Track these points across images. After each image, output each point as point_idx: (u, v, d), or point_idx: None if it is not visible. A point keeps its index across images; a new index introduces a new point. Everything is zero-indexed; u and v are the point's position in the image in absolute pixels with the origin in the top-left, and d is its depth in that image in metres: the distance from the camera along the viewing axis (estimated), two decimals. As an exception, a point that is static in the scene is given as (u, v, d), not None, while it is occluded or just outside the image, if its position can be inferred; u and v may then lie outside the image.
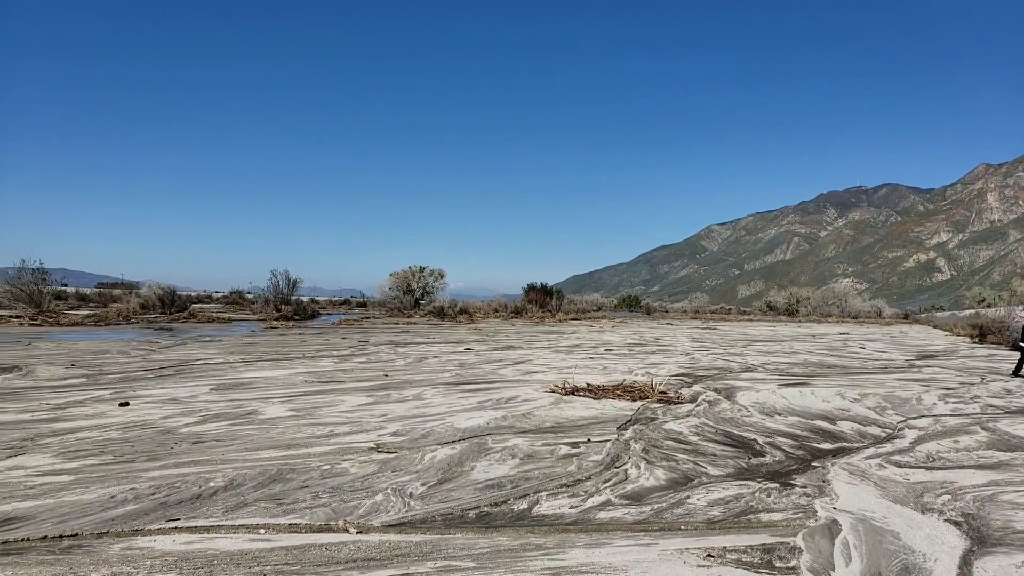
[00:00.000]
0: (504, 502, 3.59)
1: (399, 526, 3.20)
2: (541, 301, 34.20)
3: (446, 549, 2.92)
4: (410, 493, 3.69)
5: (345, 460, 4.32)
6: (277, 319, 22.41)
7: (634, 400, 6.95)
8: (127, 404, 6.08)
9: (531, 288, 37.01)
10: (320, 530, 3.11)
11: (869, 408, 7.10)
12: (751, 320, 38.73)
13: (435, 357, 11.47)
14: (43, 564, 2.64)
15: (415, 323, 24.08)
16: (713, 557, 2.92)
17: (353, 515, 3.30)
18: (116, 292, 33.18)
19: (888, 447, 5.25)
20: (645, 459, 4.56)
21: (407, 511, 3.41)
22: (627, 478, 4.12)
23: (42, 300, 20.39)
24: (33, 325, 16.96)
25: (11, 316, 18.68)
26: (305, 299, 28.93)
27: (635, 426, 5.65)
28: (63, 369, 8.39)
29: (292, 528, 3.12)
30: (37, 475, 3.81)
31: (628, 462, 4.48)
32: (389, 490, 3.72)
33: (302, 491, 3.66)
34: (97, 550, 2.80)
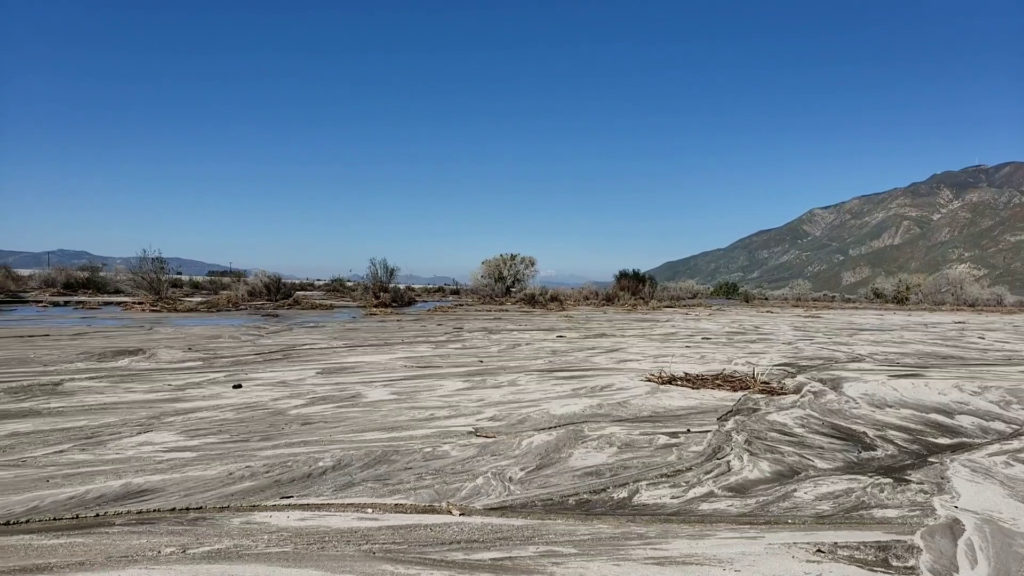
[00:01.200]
0: (603, 490, 3.58)
1: (500, 510, 3.24)
2: (633, 288, 33.79)
3: (547, 534, 2.94)
4: (509, 478, 3.73)
5: (445, 443, 4.41)
6: (376, 306, 23.10)
7: (734, 390, 6.78)
8: (240, 386, 6.42)
9: (623, 275, 36.62)
10: (424, 511, 3.19)
11: (991, 402, 6.65)
12: (856, 308, 37.03)
13: (528, 344, 11.54)
14: (173, 534, 2.83)
15: (507, 310, 24.29)
16: (824, 553, 2.82)
17: (455, 497, 3.37)
18: (225, 280, 34.98)
19: (1015, 444, 4.91)
20: (748, 450, 4.44)
21: (507, 495, 3.45)
22: (729, 469, 4.03)
23: (161, 288, 21.76)
24: (153, 311, 18.13)
25: (134, 303, 20.04)
26: (401, 287, 29.66)
27: (736, 417, 5.51)
28: (181, 352, 8.94)
29: (398, 508, 3.21)
30: (164, 451, 4.09)
31: (730, 453, 4.38)
32: (489, 474, 3.78)
33: (406, 472, 3.76)
34: (219, 523, 2.98)
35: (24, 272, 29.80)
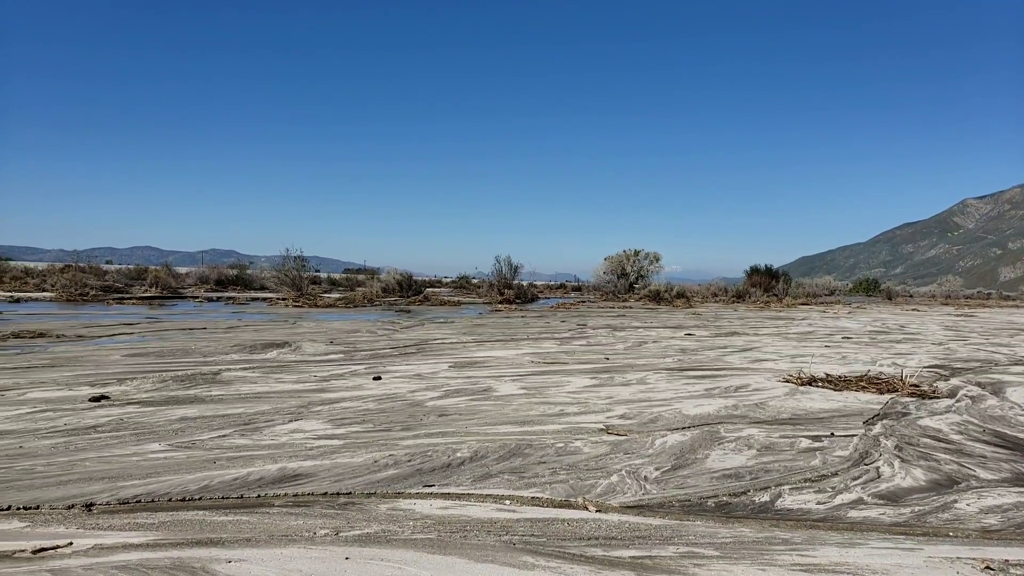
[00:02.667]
0: (744, 493, 3.48)
1: (636, 508, 3.22)
2: (765, 285, 32.50)
3: (687, 535, 2.89)
4: (644, 477, 3.70)
5: (577, 439, 4.43)
6: (500, 302, 23.49)
7: (881, 393, 6.39)
8: (379, 378, 6.71)
9: (754, 271, 35.32)
10: (560, 505, 3.22)
11: None
12: (1017, 306, 33.88)
13: (655, 342, 11.36)
14: (326, 516, 3.01)
15: (630, 307, 24.02)
16: (993, 570, 2.61)
17: (591, 494, 3.38)
18: (360, 277, 36.64)
19: None
20: (899, 457, 4.18)
21: (643, 494, 3.42)
22: (879, 476, 3.81)
23: (302, 284, 23.10)
24: (296, 306, 19.27)
25: (278, 298, 21.39)
26: (525, 283, 29.97)
27: (884, 421, 5.19)
28: (324, 346, 9.46)
29: (534, 501, 3.26)
30: (314, 438, 4.35)
31: (879, 459, 4.13)
32: (623, 472, 3.76)
33: (540, 466, 3.81)
34: (368, 508, 3.13)
35: (182, 270, 32.46)
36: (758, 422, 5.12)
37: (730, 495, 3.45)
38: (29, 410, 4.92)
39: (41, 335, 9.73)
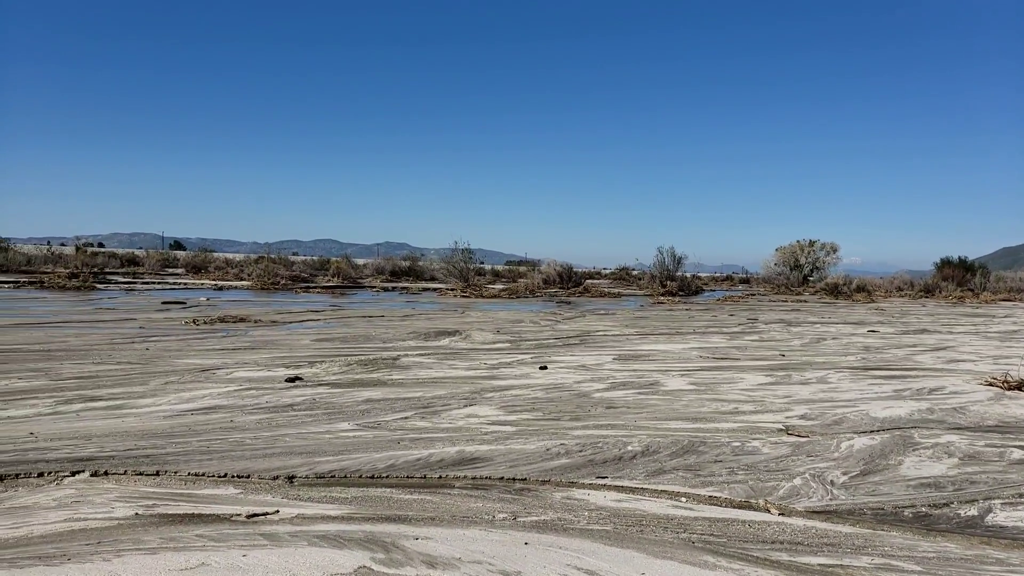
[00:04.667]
0: (946, 505, 3.18)
1: (823, 514, 3.04)
2: (959, 278, 29.51)
3: (882, 546, 2.69)
4: (831, 481, 3.48)
5: (754, 439, 4.25)
6: (663, 294, 23.04)
7: (1111, 402, 5.59)
8: (545, 368, 6.81)
9: (945, 263, 32.20)
10: (740, 506, 3.11)
11: None
12: None
13: (834, 338, 10.66)
14: (503, 501, 3.09)
15: (804, 301, 22.69)
16: None
17: (772, 496, 3.23)
18: (521, 269, 37.35)
19: None
20: None
21: (830, 499, 3.22)
22: (1115, 497, 3.34)
23: (468, 275, 23.91)
24: (463, 297, 19.99)
25: (447, 289, 22.29)
26: (688, 275, 29.17)
27: (1118, 434, 4.55)
28: (491, 335, 9.74)
29: (712, 500, 3.17)
30: (488, 424, 4.49)
31: (1114, 478, 3.62)
32: (807, 475, 3.56)
33: (716, 465, 3.70)
34: (543, 495, 3.19)
35: (359, 261, 34.65)
36: (958, 428, 4.66)
37: (930, 506, 3.17)
38: (236, 388, 5.46)
39: (242, 320, 10.77)
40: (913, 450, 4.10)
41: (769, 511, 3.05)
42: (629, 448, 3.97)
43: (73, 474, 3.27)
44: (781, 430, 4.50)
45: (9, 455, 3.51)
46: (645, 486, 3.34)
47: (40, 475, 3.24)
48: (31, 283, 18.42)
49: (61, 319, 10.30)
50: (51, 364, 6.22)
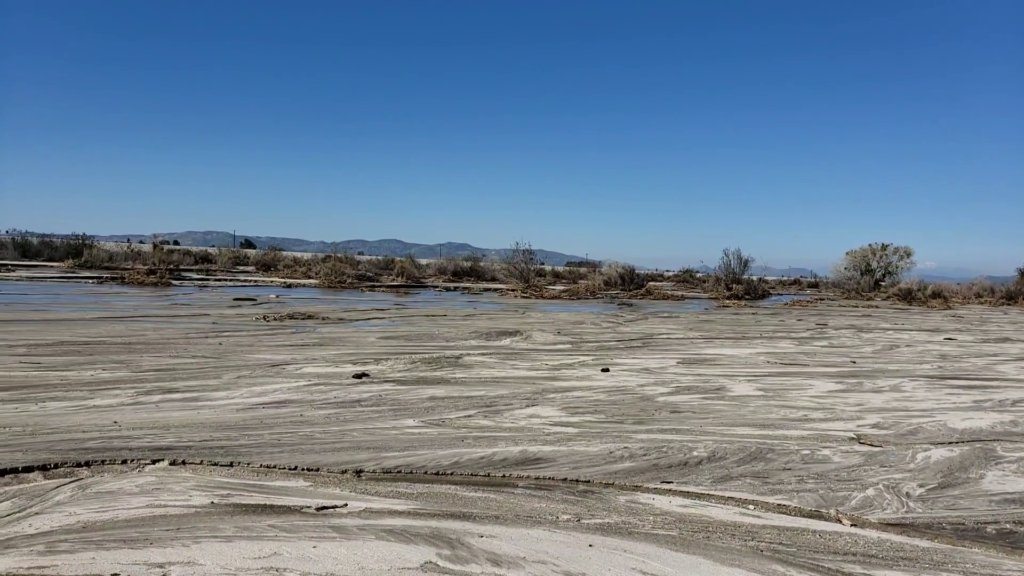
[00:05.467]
0: (1033, 522, 3.03)
1: (898, 526, 2.93)
2: (1046, 285, 28.03)
3: (963, 563, 2.58)
4: (907, 493, 3.36)
5: (824, 447, 4.13)
6: (728, 298, 22.61)
7: None
8: (608, 370, 6.77)
9: (1031, 269, 30.62)
10: (810, 516, 3.03)
11: None
12: None
13: (908, 346, 10.28)
14: (567, 502, 3.09)
15: (876, 306, 21.94)
16: None
17: (844, 506, 3.14)
18: (582, 270, 37.19)
19: None
20: None
21: (906, 512, 3.11)
22: None
23: (529, 276, 23.96)
24: (523, 297, 20.04)
25: (507, 289, 22.38)
26: (754, 278, 28.56)
27: None
28: (552, 336, 9.73)
29: (781, 508, 3.10)
30: (550, 424, 4.49)
31: None
32: (880, 486, 3.44)
33: (785, 473, 3.61)
34: (606, 498, 3.17)
35: (422, 261, 35.10)
36: (1047, 443, 4.43)
37: (1015, 523, 3.02)
38: (305, 383, 5.61)
39: (310, 317, 11.05)
40: (996, 464, 3.93)
41: (841, 522, 2.96)
42: (695, 453, 3.92)
43: (153, 462, 3.42)
44: (853, 439, 4.36)
45: (96, 442, 3.69)
46: (711, 492, 3.29)
47: (124, 462, 3.39)
48: (112, 279, 19.31)
49: (140, 314, 10.77)
50: (132, 356, 6.50)
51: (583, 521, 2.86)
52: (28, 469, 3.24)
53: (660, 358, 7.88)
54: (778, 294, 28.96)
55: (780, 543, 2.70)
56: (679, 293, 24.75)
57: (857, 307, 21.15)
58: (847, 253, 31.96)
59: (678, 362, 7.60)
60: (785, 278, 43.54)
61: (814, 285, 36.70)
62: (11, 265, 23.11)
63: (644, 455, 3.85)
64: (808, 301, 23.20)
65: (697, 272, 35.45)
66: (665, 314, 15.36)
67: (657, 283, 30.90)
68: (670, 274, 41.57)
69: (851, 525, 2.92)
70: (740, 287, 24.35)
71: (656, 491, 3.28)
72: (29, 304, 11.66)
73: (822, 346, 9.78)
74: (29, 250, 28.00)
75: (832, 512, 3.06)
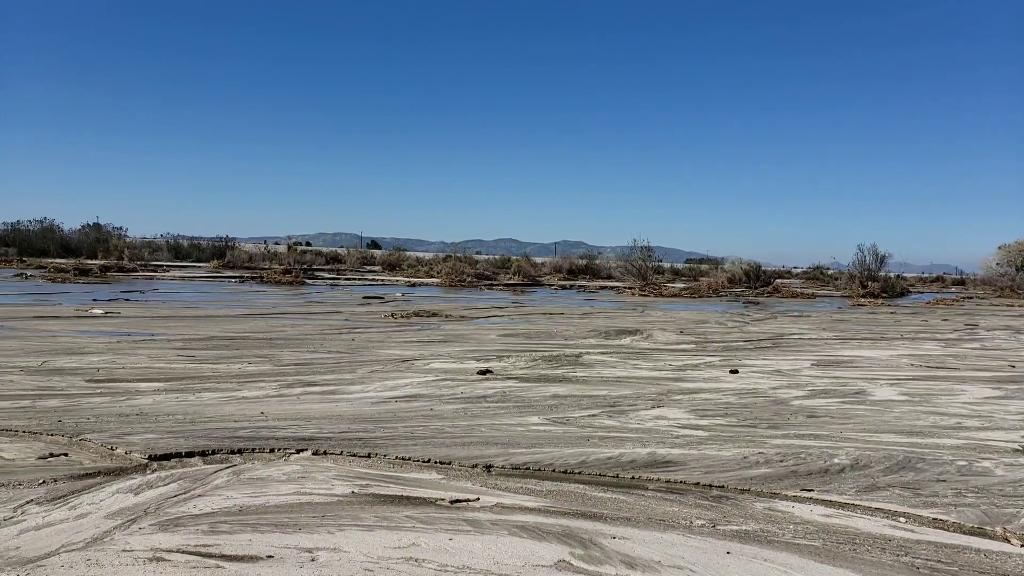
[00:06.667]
0: None
1: (1077, 550, 2.65)
2: None
3: None
4: (1085, 513, 3.04)
5: (984, 458, 3.81)
6: (863, 296, 21.36)
7: None
8: (736, 371, 6.54)
9: None
10: (972, 532, 2.80)
11: None
12: None
13: (1076, 349, 9.31)
14: (701, 507, 3.00)
15: (1036, 306, 20.04)
16: None
17: (1012, 524, 2.88)
18: (703, 267, 36.23)
19: None
20: None
21: (1085, 534, 2.81)
22: None
23: (647, 274, 23.59)
24: (641, 295, 19.74)
25: (624, 287, 22.13)
26: (892, 275, 26.83)
27: None
28: (674, 335, 9.52)
29: (936, 523, 2.88)
30: (678, 427, 4.39)
31: None
32: (1053, 504, 3.13)
33: (939, 484, 3.36)
34: (742, 505, 3.06)
35: (538, 259, 35.32)
36: None
37: None
38: (433, 378, 5.76)
39: (434, 315, 11.36)
40: None
41: (1008, 541, 2.71)
42: (836, 461, 3.71)
43: (298, 452, 3.61)
44: (1018, 450, 3.99)
45: (246, 431, 3.94)
46: (856, 502, 3.10)
47: (271, 451, 3.61)
48: (252, 278, 20.65)
49: (279, 311, 11.44)
50: (273, 351, 6.91)
51: (719, 527, 2.77)
52: (190, 454, 3.51)
53: (792, 359, 7.54)
54: (918, 292, 27.08)
55: (938, 561, 2.51)
56: (809, 291, 23.61)
57: (1012, 306, 19.42)
58: (999, 247, 29.49)
59: (812, 364, 7.24)
60: (926, 275, 40.66)
61: (960, 283, 34.04)
62: (166, 265, 25.19)
63: (781, 461, 3.68)
64: (953, 300, 21.53)
65: (828, 269, 33.73)
66: (795, 313, 14.69)
67: (784, 280, 29.62)
68: (798, 271, 39.78)
69: (1021, 546, 2.67)
70: (876, 284, 22.93)
71: (796, 499, 3.13)
72: (183, 302, 12.65)
73: (973, 348, 9.04)
74: (180, 251, 30.42)
75: (998, 530, 2.81)
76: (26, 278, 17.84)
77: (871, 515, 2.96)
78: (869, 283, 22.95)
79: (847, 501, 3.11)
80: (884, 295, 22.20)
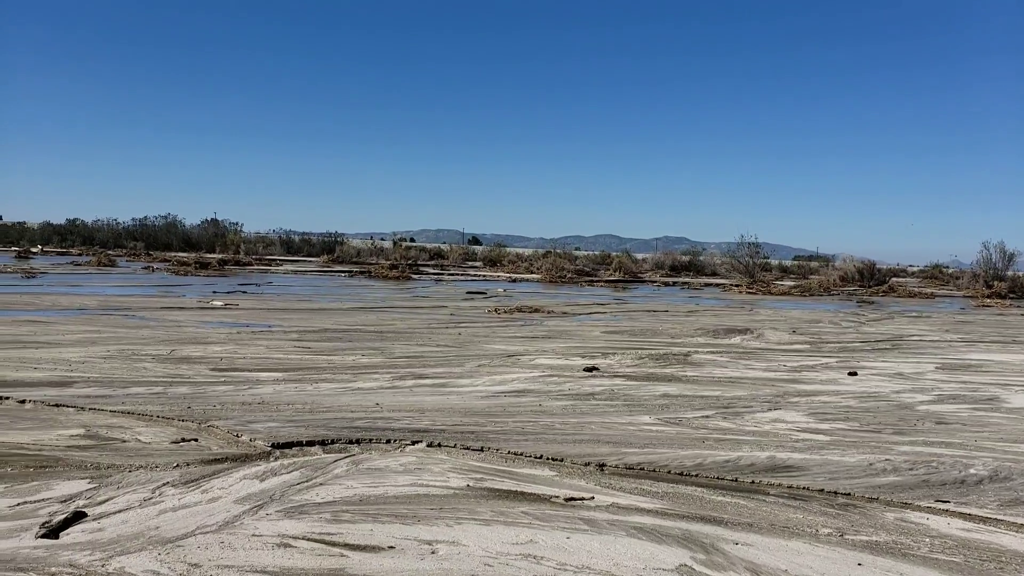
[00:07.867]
0: None
1: None
2: None
3: None
4: None
5: None
6: (988, 296, 19.91)
7: None
8: (855, 374, 6.24)
9: None
10: None
11: None
12: None
13: None
14: (826, 515, 2.88)
15: None
16: None
17: None
18: (812, 264, 34.75)
19: None
20: None
21: None
22: None
23: (754, 271, 22.85)
24: (748, 293, 19.13)
25: (730, 284, 21.51)
26: (1021, 274, 24.86)
27: None
28: (786, 335, 9.18)
29: (1095, 545, 2.65)
30: (797, 430, 4.23)
31: None
32: None
33: (1095, 503, 3.09)
34: (871, 514, 2.91)
35: (638, 256, 34.87)
36: None
37: None
38: (539, 374, 5.79)
39: (536, 310, 11.41)
40: None
41: None
42: (972, 471, 3.48)
43: (413, 443, 3.71)
44: None
45: (363, 421, 4.08)
46: (999, 517, 2.89)
47: (388, 442, 3.72)
48: (361, 273, 21.37)
49: (387, 304, 11.79)
50: (384, 344, 7.13)
51: (847, 537, 2.65)
52: (310, 443, 3.66)
53: (915, 362, 7.12)
54: (1056, 292, 24.96)
55: (1099, 586, 2.31)
56: (927, 290, 22.23)
57: None
58: None
59: (936, 367, 6.82)
60: (1064, 273, 37.38)
61: (1104, 282, 31.10)
62: (279, 260, 26.45)
63: (910, 469, 3.49)
64: (1098, 301, 19.74)
65: (947, 267, 31.67)
66: (914, 313, 13.88)
67: (900, 279, 28.04)
68: (914, 269, 37.59)
69: None
70: (1003, 284, 21.31)
71: (930, 511, 2.95)
72: (296, 295, 13.24)
73: (1124, 354, 8.26)
74: (292, 247, 31.86)
75: None
76: (152, 271, 19.14)
77: (1017, 531, 2.76)
78: (995, 283, 21.35)
79: (988, 515, 2.91)
80: (1012, 295, 20.61)
